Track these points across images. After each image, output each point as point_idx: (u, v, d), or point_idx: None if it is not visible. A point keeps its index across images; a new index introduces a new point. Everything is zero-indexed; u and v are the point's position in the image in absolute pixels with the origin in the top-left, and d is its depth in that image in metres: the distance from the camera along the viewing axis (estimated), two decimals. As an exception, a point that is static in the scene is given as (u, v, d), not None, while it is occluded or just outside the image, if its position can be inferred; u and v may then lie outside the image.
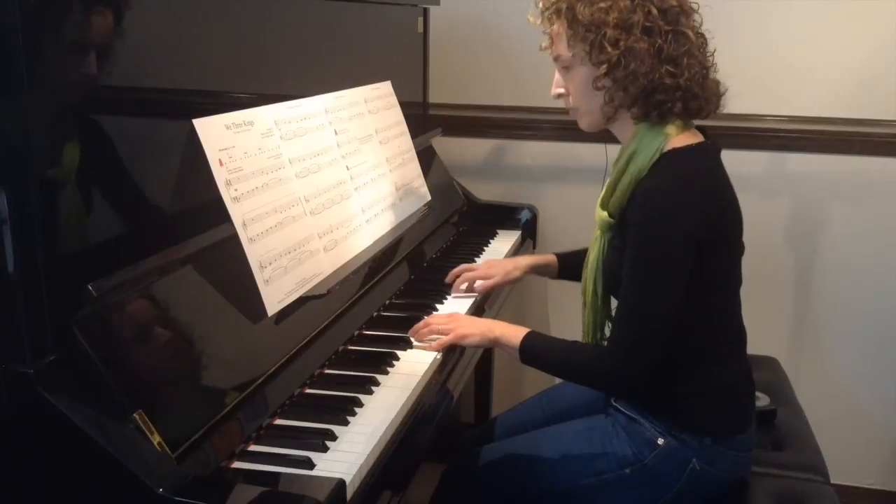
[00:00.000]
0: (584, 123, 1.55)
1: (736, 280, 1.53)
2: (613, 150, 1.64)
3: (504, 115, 2.60)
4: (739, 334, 1.56)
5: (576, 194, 2.58)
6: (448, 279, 1.90)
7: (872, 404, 2.50)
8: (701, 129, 1.53)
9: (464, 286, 1.88)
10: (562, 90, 1.54)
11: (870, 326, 2.45)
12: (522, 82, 2.58)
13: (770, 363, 2.10)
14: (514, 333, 1.56)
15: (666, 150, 1.44)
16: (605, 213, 1.51)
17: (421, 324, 1.63)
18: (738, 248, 1.51)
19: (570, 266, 1.84)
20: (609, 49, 1.40)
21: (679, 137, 1.45)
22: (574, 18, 1.43)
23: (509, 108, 2.61)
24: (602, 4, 1.41)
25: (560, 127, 2.55)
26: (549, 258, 1.90)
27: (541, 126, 2.57)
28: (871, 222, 2.38)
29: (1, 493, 1.11)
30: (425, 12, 2.35)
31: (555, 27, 1.48)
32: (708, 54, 1.48)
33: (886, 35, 2.29)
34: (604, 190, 1.54)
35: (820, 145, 2.35)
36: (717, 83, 1.50)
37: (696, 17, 1.47)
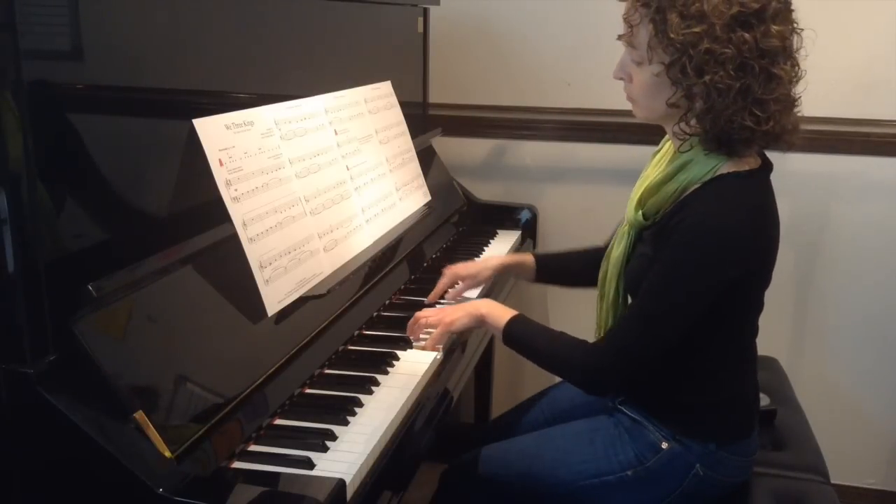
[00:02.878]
0: (640, 115, 1.45)
1: (758, 308, 1.50)
2: (645, 151, 1.63)
3: (504, 115, 2.60)
4: (752, 356, 1.55)
5: (576, 194, 2.59)
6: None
7: (872, 404, 2.50)
8: None
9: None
10: (624, 77, 1.43)
11: (870, 326, 2.45)
12: (522, 82, 2.58)
13: (770, 363, 2.10)
14: (500, 314, 1.54)
15: (722, 171, 1.36)
16: (639, 214, 1.44)
17: (411, 321, 1.63)
18: (767, 280, 1.47)
19: (548, 269, 1.78)
20: (691, 75, 1.29)
21: (738, 159, 1.38)
22: (662, 24, 1.30)
23: (509, 108, 2.61)
24: (696, 28, 1.27)
25: (560, 127, 2.55)
26: (525, 258, 1.81)
27: (541, 126, 2.57)
28: (871, 222, 2.38)
29: (1, 492, 1.11)
30: (425, 12, 2.35)
31: (638, 16, 1.35)
32: (798, 80, 1.36)
33: (886, 35, 2.29)
34: (641, 188, 1.47)
35: (820, 145, 2.35)
36: (797, 116, 1.39)
37: (796, 36, 1.34)
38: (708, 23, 1.27)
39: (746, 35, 1.28)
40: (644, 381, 1.51)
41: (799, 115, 1.41)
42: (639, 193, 1.48)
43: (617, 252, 1.52)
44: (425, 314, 1.61)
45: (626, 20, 1.38)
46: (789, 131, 1.38)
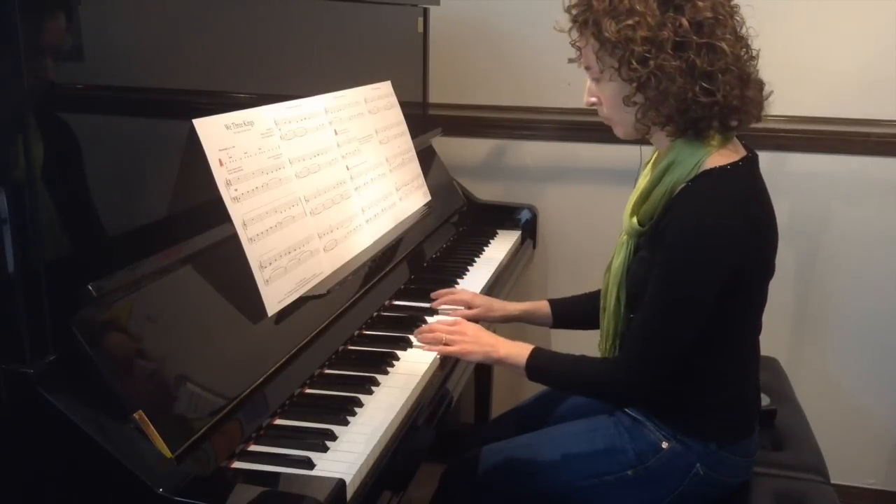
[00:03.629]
0: (619, 133, 1.50)
1: (761, 302, 1.50)
2: (645, 151, 1.63)
3: (504, 115, 2.60)
4: (755, 354, 1.55)
5: (576, 194, 2.59)
6: (432, 296, 1.82)
7: (872, 404, 2.50)
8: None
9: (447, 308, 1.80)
10: (594, 99, 1.49)
11: (870, 326, 2.45)
12: (522, 82, 2.58)
13: (770, 363, 2.10)
14: (518, 352, 1.54)
15: (706, 166, 1.38)
16: (634, 221, 1.46)
17: (426, 327, 1.63)
18: (769, 272, 1.48)
19: (565, 315, 1.78)
20: (638, 67, 1.34)
21: (720, 153, 1.39)
22: (600, 34, 1.37)
23: (509, 108, 2.61)
24: (629, 21, 1.33)
25: (560, 127, 2.55)
26: (541, 305, 1.80)
27: (541, 126, 2.57)
28: (871, 222, 2.38)
29: (1, 492, 1.11)
30: (425, 12, 2.35)
31: (583, 39, 1.43)
32: (750, 59, 1.40)
33: (887, 35, 2.29)
34: (634, 195, 1.50)
35: (820, 145, 2.35)
36: (760, 87, 1.43)
37: (737, 17, 1.39)
38: (638, 13, 1.34)
39: (678, 15, 1.34)
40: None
41: (767, 91, 1.44)
42: (632, 202, 1.50)
43: (617, 262, 1.53)
44: (441, 329, 1.61)
45: (574, 45, 1.46)
46: (750, 104, 1.41)
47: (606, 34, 1.36)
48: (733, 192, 1.38)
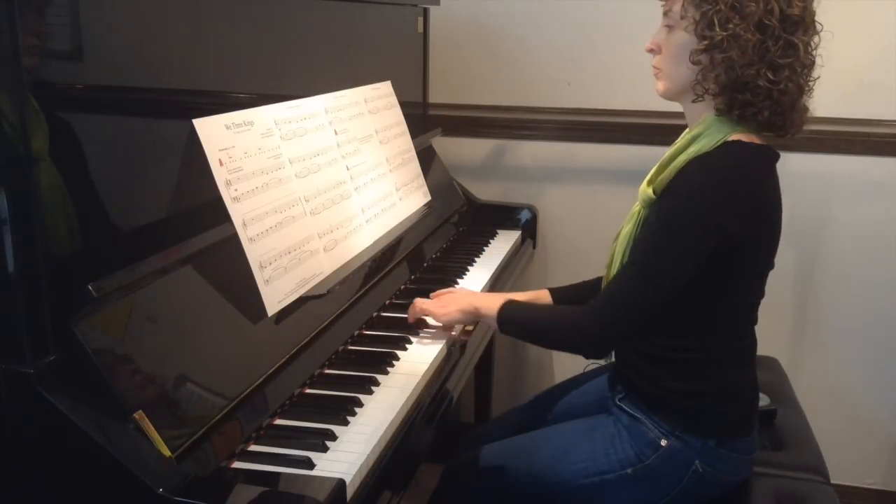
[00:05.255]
0: (662, 87, 1.51)
1: (758, 291, 1.51)
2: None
3: (504, 115, 2.60)
4: (751, 344, 1.55)
5: (576, 194, 2.59)
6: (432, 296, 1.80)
7: (872, 404, 2.50)
8: None
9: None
10: (655, 47, 1.50)
11: (870, 327, 2.45)
12: (522, 82, 2.59)
13: (770, 363, 2.10)
14: (491, 304, 1.57)
15: (729, 139, 1.41)
16: (650, 190, 1.48)
17: (410, 306, 1.67)
18: (767, 262, 1.49)
19: (566, 302, 1.77)
20: (717, 27, 1.36)
21: (748, 135, 1.43)
22: None
23: (509, 108, 2.61)
24: None
25: (560, 127, 2.56)
26: (542, 294, 1.79)
27: (541, 126, 2.57)
28: (871, 222, 2.38)
29: (1, 493, 1.11)
30: (425, 12, 2.35)
31: None
32: (810, 79, 1.44)
33: (886, 35, 2.29)
34: (655, 168, 1.52)
35: (820, 145, 2.35)
36: (806, 110, 1.46)
37: (814, 38, 1.42)
38: None
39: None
40: (645, 371, 1.51)
41: (809, 113, 1.47)
42: (651, 172, 1.51)
43: (626, 230, 1.53)
44: (423, 301, 1.67)
45: None
46: (796, 115, 1.44)
47: None
48: (744, 164, 1.41)
